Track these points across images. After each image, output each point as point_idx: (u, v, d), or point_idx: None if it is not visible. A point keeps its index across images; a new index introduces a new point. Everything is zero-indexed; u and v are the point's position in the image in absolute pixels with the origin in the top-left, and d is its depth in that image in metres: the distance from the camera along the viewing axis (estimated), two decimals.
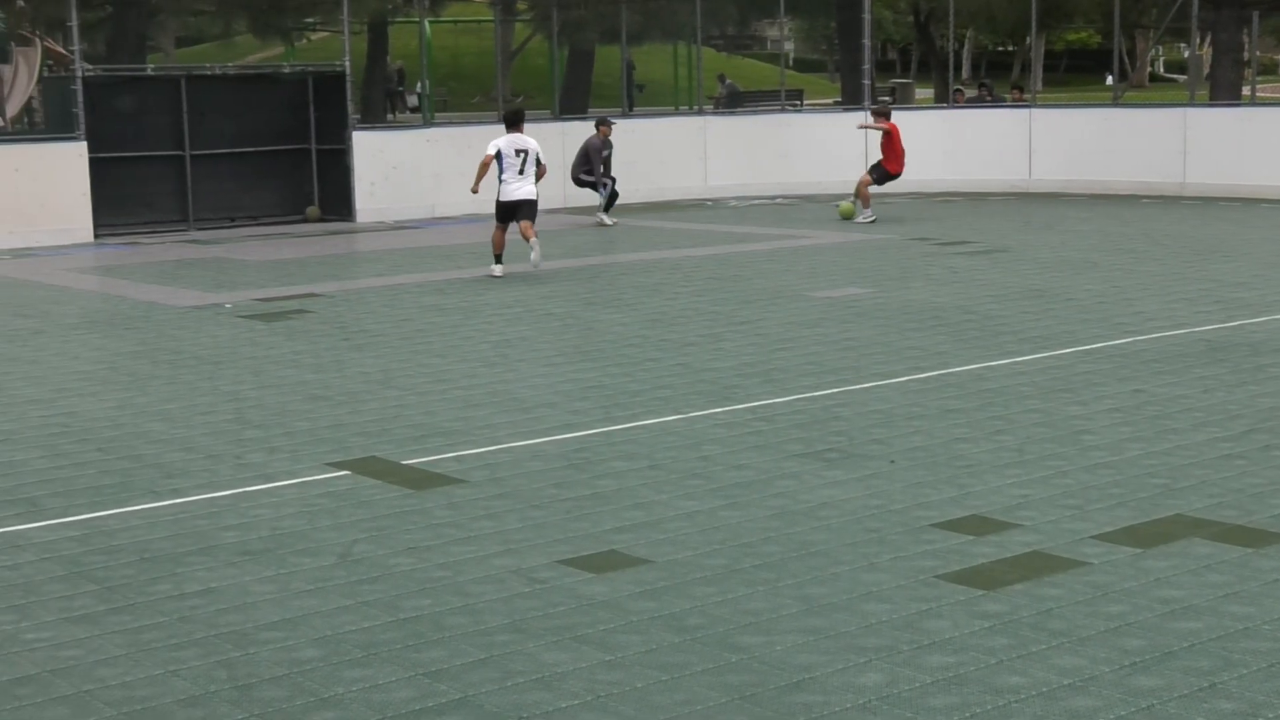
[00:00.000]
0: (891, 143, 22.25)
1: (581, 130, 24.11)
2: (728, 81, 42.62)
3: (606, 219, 21.97)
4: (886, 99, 28.76)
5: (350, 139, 22.94)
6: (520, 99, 45.76)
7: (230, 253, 19.61)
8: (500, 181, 16.60)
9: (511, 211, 16.64)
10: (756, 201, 25.24)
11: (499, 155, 16.51)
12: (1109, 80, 61.03)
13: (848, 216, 21.83)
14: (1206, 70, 37.27)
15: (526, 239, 16.49)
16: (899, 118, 23.37)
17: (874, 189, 22.24)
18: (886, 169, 22.28)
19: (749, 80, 48.62)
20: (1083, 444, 8.80)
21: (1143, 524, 7.27)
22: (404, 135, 24.72)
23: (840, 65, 38.42)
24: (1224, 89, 29.60)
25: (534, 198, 16.64)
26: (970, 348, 11.88)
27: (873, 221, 21.45)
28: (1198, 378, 10.57)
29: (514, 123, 16.91)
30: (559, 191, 24.29)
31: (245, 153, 22.98)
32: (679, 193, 25.67)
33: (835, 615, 6.13)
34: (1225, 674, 5.47)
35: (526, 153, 16.54)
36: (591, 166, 22.18)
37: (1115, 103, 26.96)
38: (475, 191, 17.12)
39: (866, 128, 23.51)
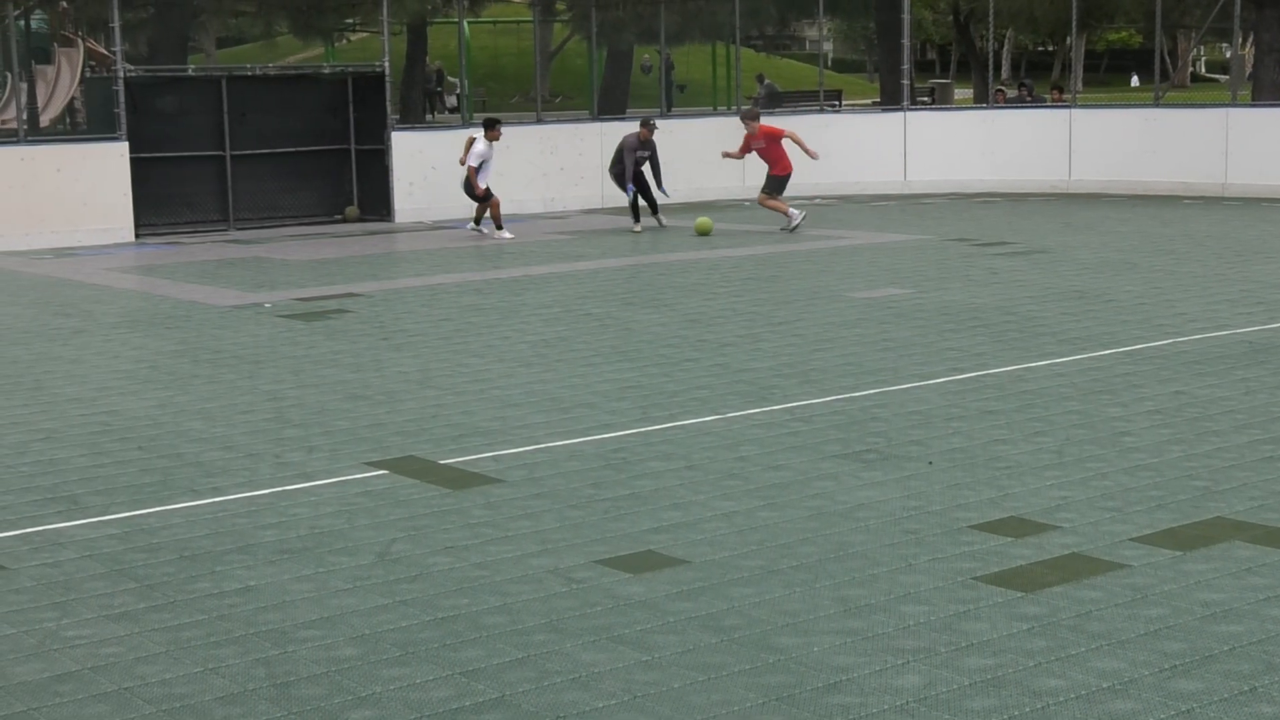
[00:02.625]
0: (770, 147, 21.26)
1: (620, 130, 24.11)
2: (766, 82, 42.62)
3: (636, 226, 21.44)
4: (757, 103, 25.28)
5: (389, 139, 23.02)
6: (559, 99, 45.81)
7: (270, 252, 19.70)
8: None
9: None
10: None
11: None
12: (1134, 81, 60.77)
13: (704, 233, 20.57)
14: (1249, 70, 37.02)
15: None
16: (938, 118, 23.23)
17: (788, 194, 21.42)
18: (775, 176, 21.30)
19: (788, 80, 48.63)
20: (1123, 445, 8.76)
21: (1183, 526, 7.23)
22: (443, 136, 24.77)
23: (879, 65, 38.39)
24: (1266, 89, 29.39)
25: (475, 193, 20.84)
26: (1009, 349, 11.83)
27: (800, 221, 20.64)
28: (1239, 379, 10.50)
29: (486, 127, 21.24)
30: (596, 191, 24.36)
31: (285, 153, 23.06)
32: (718, 193, 25.64)
33: (873, 616, 6.12)
34: (1266, 678, 5.44)
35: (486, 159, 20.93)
36: (624, 167, 21.77)
37: (1156, 103, 26.79)
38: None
39: (729, 156, 22.28)
